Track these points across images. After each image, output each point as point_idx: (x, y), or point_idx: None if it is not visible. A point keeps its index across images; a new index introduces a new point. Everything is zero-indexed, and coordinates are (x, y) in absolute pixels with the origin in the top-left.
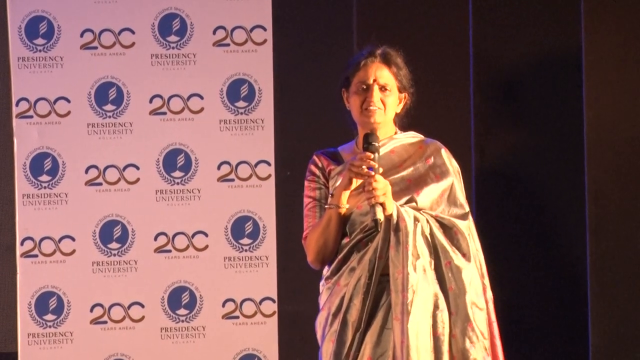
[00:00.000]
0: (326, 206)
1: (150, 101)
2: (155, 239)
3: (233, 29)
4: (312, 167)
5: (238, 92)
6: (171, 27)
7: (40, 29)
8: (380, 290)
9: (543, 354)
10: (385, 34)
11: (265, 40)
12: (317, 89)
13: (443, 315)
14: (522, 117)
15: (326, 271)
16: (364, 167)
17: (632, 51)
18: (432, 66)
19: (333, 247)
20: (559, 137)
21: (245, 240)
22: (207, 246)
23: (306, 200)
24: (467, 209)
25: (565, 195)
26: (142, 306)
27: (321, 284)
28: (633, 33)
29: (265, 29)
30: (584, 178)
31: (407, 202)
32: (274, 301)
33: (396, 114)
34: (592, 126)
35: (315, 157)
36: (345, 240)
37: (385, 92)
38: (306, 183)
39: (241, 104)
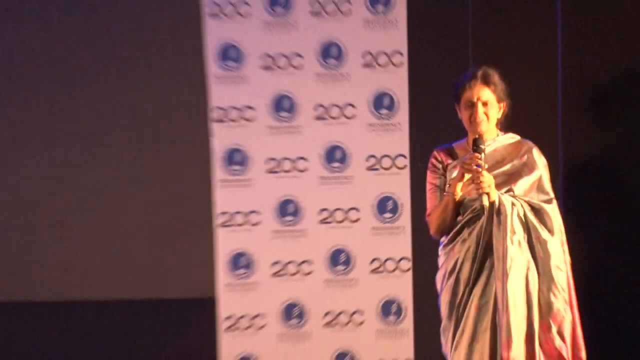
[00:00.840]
0: (445, 193)
1: (315, 109)
2: (320, 213)
3: (377, 54)
4: (434, 161)
5: (382, 102)
6: (330, 52)
7: (230, 54)
8: (484, 257)
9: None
10: (490, 40)
11: (402, 63)
12: (440, 100)
13: (533, 277)
14: (608, 120)
15: (444, 240)
16: (473, 165)
17: None
18: (522, 74)
19: (450, 224)
20: None
21: (387, 215)
22: (358, 219)
23: (429, 186)
24: (552, 195)
25: None
26: (310, 263)
27: (440, 249)
28: None
29: (402, 54)
30: None
31: (506, 192)
32: (409, 260)
33: (497, 120)
34: None
35: (435, 153)
36: (459, 219)
37: (487, 107)
38: (429, 173)
39: (384, 111)
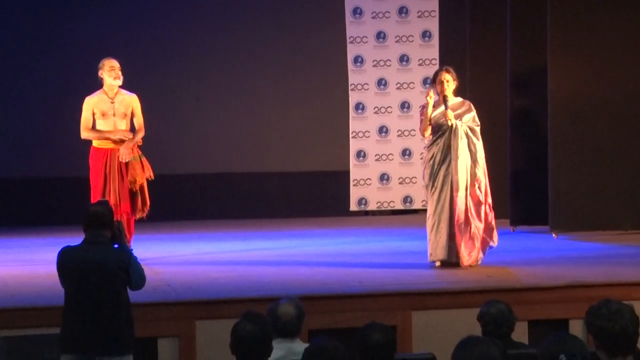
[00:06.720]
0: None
1: None
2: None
3: None
4: (425, 103)
5: None
6: None
7: None
8: (447, 151)
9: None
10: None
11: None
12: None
13: (469, 160)
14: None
15: (427, 143)
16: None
17: None
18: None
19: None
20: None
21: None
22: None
23: (421, 112)
24: (479, 123)
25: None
26: None
27: (424, 148)
28: None
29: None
30: None
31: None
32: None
33: (453, 90)
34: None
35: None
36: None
37: (449, 83)
38: (420, 110)
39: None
